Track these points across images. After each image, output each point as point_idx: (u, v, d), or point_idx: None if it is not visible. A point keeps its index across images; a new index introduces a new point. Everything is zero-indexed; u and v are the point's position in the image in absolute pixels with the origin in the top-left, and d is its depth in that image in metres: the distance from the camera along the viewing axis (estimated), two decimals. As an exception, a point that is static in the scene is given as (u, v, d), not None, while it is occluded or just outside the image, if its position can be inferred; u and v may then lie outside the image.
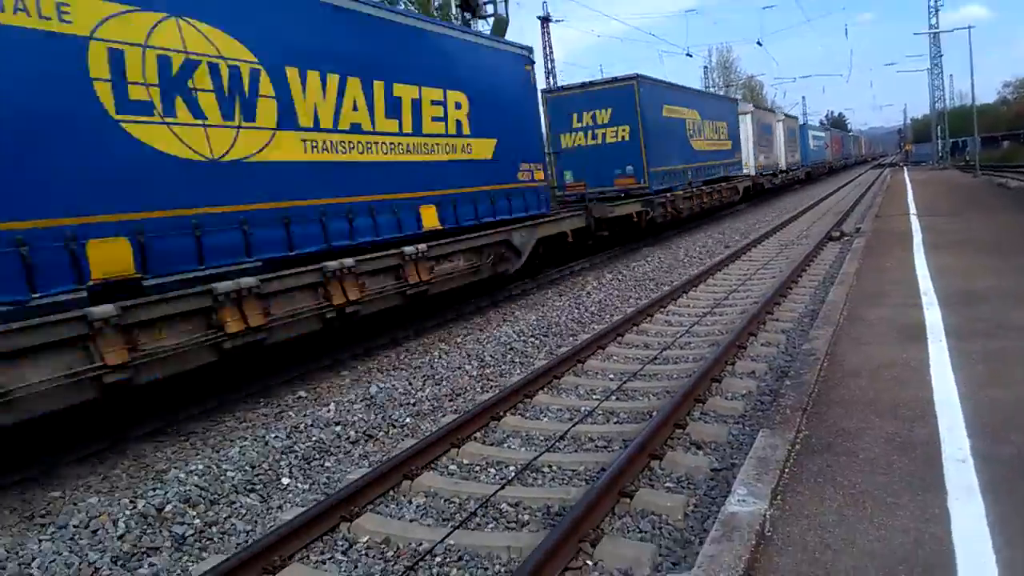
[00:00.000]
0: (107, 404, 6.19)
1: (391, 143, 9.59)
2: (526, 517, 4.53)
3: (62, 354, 5.63)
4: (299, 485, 5.42)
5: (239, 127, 7.44)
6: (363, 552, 4.31)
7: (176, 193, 6.78)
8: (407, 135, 9.87)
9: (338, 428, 6.36)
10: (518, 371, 8.02)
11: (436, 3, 27.87)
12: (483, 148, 11.61)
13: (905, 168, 59.40)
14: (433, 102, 10.42)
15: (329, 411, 6.76)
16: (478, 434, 6.01)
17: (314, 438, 6.14)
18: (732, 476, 4.48)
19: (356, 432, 6.31)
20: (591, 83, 19.24)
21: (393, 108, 9.61)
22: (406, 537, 4.38)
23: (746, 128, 30.29)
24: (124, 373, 5.93)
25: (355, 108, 8.98)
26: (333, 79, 8.62)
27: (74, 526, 4.68)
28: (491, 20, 22.44)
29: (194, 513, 4.90)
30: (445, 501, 4.89)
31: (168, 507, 4.93)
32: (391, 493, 5.04)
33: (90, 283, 6.00)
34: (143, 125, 6.51)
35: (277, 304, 7.53)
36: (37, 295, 5.63)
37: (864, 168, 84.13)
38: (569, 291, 12.85)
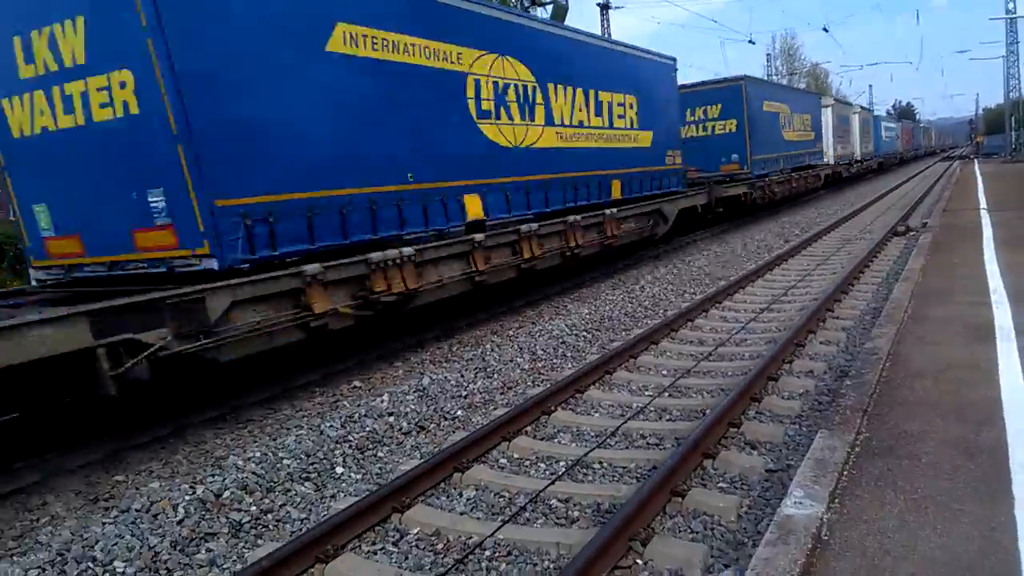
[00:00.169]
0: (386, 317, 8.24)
1: (597, 134, 12.99)
2: (576, 513, 4.51)
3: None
4: (352, 475, 5.50)
5: (527, 124, 10.95)
6: (413, 544, 4.35)
7: (500, 168, 10.33)
8: (605, 128, 13.29)
9: (391, 419, 6.43)
10: (570, 365, 7.99)
11: None
12: (645, 138, 14.86)
13: (975, 160, 57.20)
14: (619, 103, 13.75)
15: (383, 401, 6.83)
16: (529, 428, 6.00)
17: (368, 428, 6.22)
18: (788, 478, 4.38)
19: (408, 423, 6.37)
20: (703, 83, 22.16)
21: (598, 108, 12.98)
22: (456, 530, 4.40)
23: (827, 120, 32.29)
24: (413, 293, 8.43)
25: (580, 109, 12.40)
26: (570, 90, 12.08)
27: (136, 510, 4.84)
28: (550, 7, 22.35)
29: (251, 500, 5.02)
30: (495, 495, 4.90)
31: (226, 493, 5.05)
32: (442, 485, 5.07)
33: (468, 221, 9.65)
34: (487, 125, 10.08)
35: (540, 244, 10.88)
36: (446, 227, 9.27)
37: (932, 160, 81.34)
38: (623, 285, 12.74)
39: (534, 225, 10.61)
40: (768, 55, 69.20)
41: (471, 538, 4.29)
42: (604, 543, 3.73)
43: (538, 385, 7.34)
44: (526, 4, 21.50)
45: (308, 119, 7.29)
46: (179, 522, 4.71)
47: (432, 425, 6.40)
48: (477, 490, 4.99)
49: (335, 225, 7.60)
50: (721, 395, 6.30)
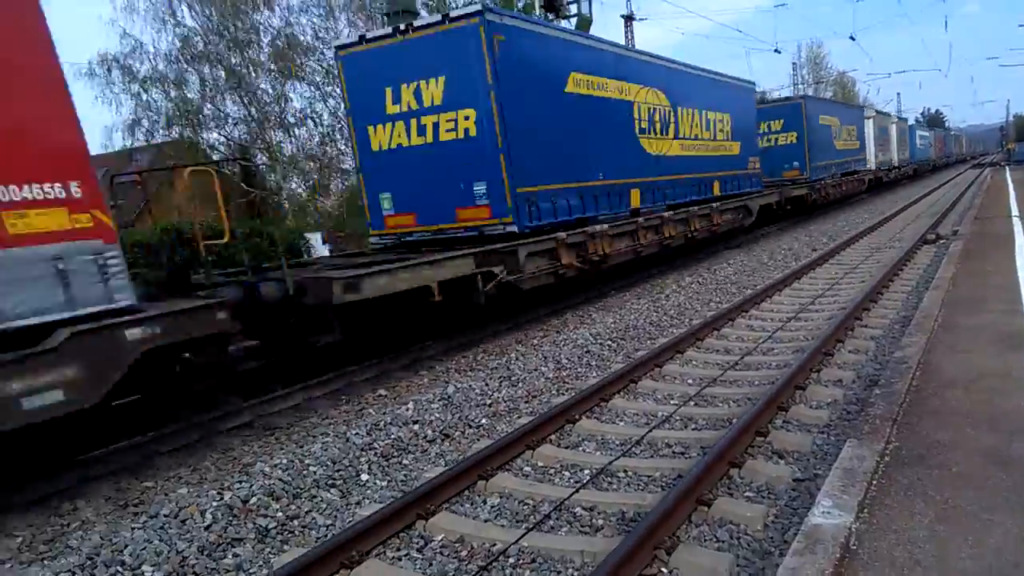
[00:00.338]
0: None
1: (705, 145, 16.80)
2: (600, 522, 4.49)
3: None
4: (378, 482, 5.52)
5: (664, 138, 14.64)
6: (438, 551, 4.35)
7: (649, 170, 14.05)
8: (710, 140, 17.21)
9: (416, 427, 6.45)
10: (594, 374, 7.97)
11: (520, 4, 27.98)
12: (735, 147, 18.80)
13: (1007, 167, 56.23)
14: (719, 120, 17.66)
15: (408, 410, 6.86)
16: (553, 436, 5.99)
17: (393, 436, 6.25)
18: (815, 487, 4.33)
19: (433, 431, 6.39)
20: (767, 101, 27.68)
21: (706, 125, 16.88)
22: (480, 537, 4.41)
23: (869, 130, 36.27)
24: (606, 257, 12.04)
25: (695, 126, 16.21)
26: (689, 111, 15.88)
27: (164, 516, 4.90)
28: (574, 20, 22.41)
29: (277, 506, 5.06)
30: (519, 502, 4.89)
31: (253, 499, 5.10)
32: (466, 493, 5.08)
33: (631, 208, 13.29)
34: (644, 139, 13.91)
35: (674, 228, 14.45)
36: (620, 212, 12.98)
37: (963, 167, 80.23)
38: (647, 294, 12.69)
39: (670, 213, 14.38)
40: (794, 64, 68.57)
41: (495, 545, 4.29)
42: (629, 551, 3.71)
43: (563, 394, 7.33)
44: (550, 16, 21.54)
45: (554, 138, 10.99)
46: (207, 527, 4.76)
47: (457, 433, 6.41)
48: (501, 498, 4.98)
49: (566, 206, 11.29)
50: (748, 404, 6.24)
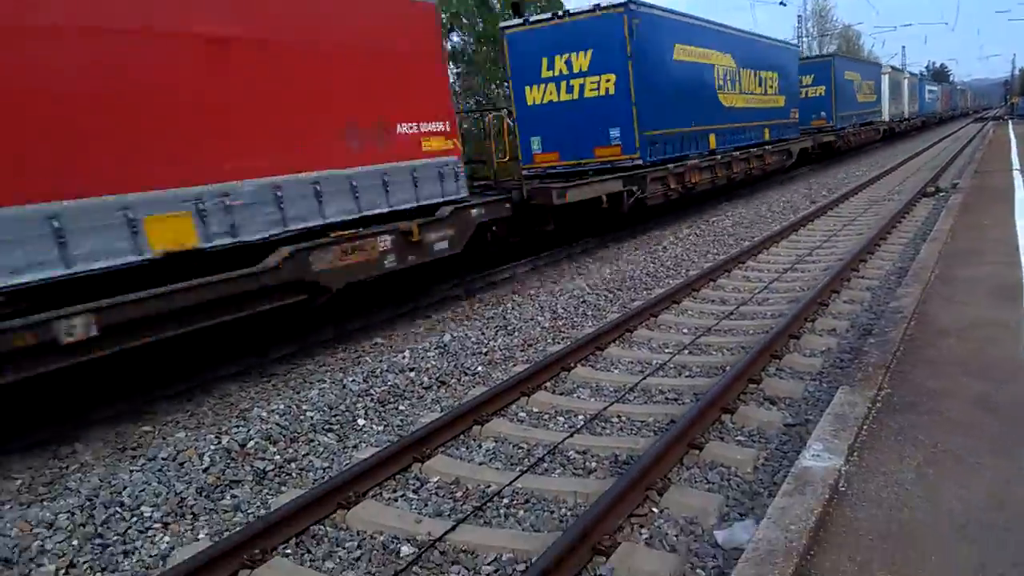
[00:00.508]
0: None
1: (759, 99, 19.71)
2: (593, 464, 4.55)
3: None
4: (374, 426, 5.58)
5: (732, 93, 17.53)
6: (434, 491, 4.41)
7: (722, 119, 16.99)
8: (763, 95, 20.08)
9: (412, 374, 6.49)
10: (590, 323, 7.99)
11: None
12: (780, 101, 21.56)
13: (1010, 122, 55.74)
14: (770, 78, 20.55)
15: (404, 358, 6.90)
16: (548, 384, 6.04)
17: (389, 383, 6.29)
18: (806, 432, 4.38)
19: (429, 378, 6.43)
20: (802, 59, 28.81)
21: (760, 81, 19.73)
22: (475, 479, 4.47)
23: (884, 85, 39.29)
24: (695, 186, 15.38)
25: (752, 82, 19.08)
26: (749, 71, 18.79)
27: (163, 459, 4.95)
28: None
29: (274, 450, 5.11)
30: (514, 447, 4.95)
31: (250, 443, 5.15)
32: (462, 437, 5.13)
33: (709, 149, 16.31)
34: (720, 94, 16.85)
35: (739, 165, 17.76)
36: (703, 152, 15.93)
37: (966, 121, 79.71)
38: (645, 246, 12.67)
39: (737, 153, 17.75)
40: (799, 16, 67.33)
41: (490, 487, 4.35)
42: (622, 491, 3.76)
43: (558, 342, 7.36)
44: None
45: (666, 95, 14.13)
46: (205, 470, 4.82)
47: (453, 380, 6.45)
48: (496, 442, 5.04)
49: (671, 147, 14.50)
50: (742, 353, 6.28)
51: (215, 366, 7.11)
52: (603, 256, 12.07)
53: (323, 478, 4.74)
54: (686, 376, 6.06)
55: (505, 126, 12.44)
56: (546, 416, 5.46)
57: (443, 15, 19.13)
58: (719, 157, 16.57)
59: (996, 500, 3.13)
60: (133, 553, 4.03)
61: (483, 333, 7.65)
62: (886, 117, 39.55)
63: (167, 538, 4.16)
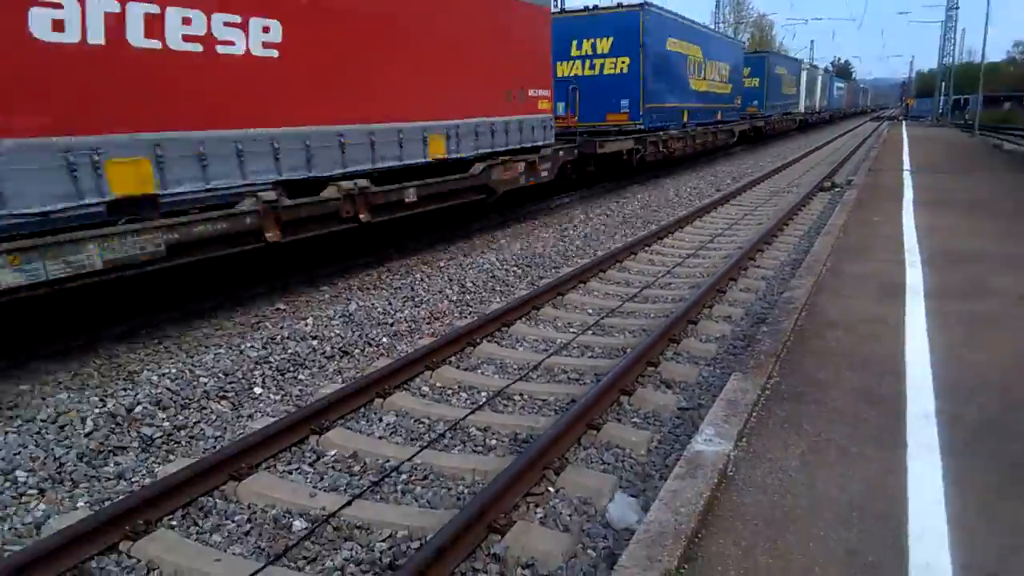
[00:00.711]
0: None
1: (716, 84, 24.12)
2: (493, 442, 4.58)
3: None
4: (271, 396, 5.43)
5: (698, 78, 21.87)
6: (330, 465, 4.34)
7: (692, 100, 21.59)
8: (718, 82, 24.30)
9: (314, 342, 6.35)
10: (498, 299, 8.01)
11: None
12: (728, 88, 25.94)
13: (904, 123, 58.92)
14: (723, 68, 24.83)
15: (307, 325, 6.74)
16: (453, 358, 6.02)
17: (290, 350, 6.13)
18: (699, 416, 4.53)
19: (332, 348, 6.30)
20: (755, 52, 36.74)
21: (716, 71, 23.94)
22: (374, 453, 4.42)
23: (803, 80, 44.31)
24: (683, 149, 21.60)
25: (712, 71, 23.17)
26: (711, 62, 22.95)
27: (41, 420, 4.68)
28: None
29: (163, 416, 4.91)
30: (415, 421, 4.92)
31: (138, 408, 4.93)
32: (362, 410, 5.06)
33: (682, 123, 20.82)
34: (692, 79, 21.29)
35: (704, 137, 23.37)
36: (680, 124, 20.64)
37: (863, 119, 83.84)
38: (556, 223, 12.77)
39: (700, 128, 22.46)
40: (717, 2, 68.91)
41: (388, 461, 4.32)
42: (519, 470, 3.80)
43: (465, 317, 7.35)
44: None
45: (661, 76, 18.41)
46: (87, 435, 4.58)
47: (356, 351, 6.35)
48: (398, 416, 5.00)
49: (661, 117, 18.69)
50: (643, 335, 6.43)
51: (103, 326, 6.76)
52: (515, 231, 12.09)
53: (215, 447, 4.59)
54: (588, 356, 6.16)
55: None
56: (449, 391, 5.45)
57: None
58: (688, 130, 21.27)
59: (871, 490, 3.33)
60: (4, 520, 3.81)
61: (390, 303, 7.56)
62: (802, 109, 44.76)
63: (42, 505, 3.94)
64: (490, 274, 8.90)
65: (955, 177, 16.66)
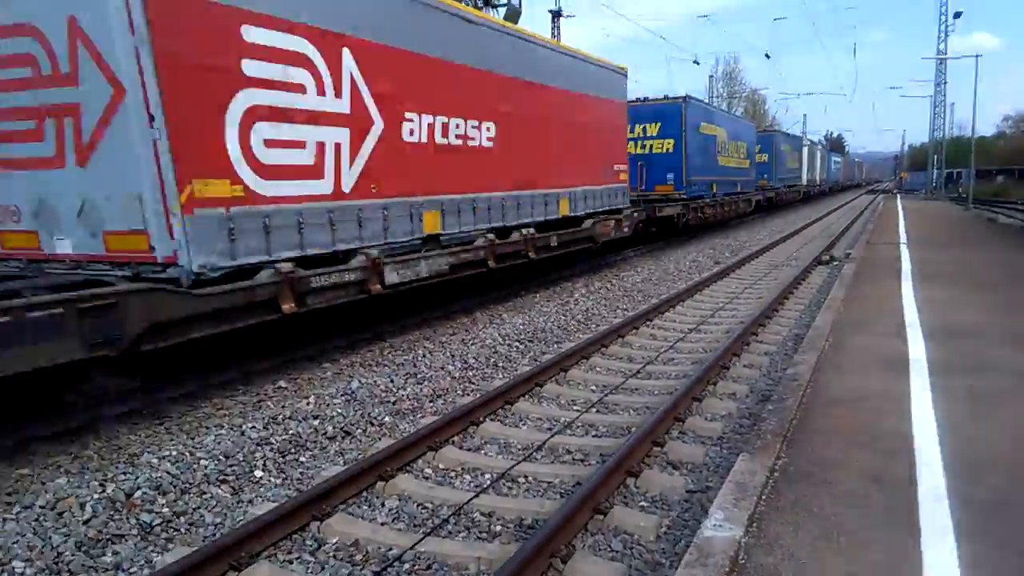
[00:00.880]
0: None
1: (736, 160, 29.11)
2: (498, 528, 4.50)
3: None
4: (272, 479, 5.36)
5: (725, 157, 27.04)
6: (331, 554, 4.26)
7: (719, 174, 25.59)
8: (739, 158, 29.48)
9: (316, 422, 6.31)
10: (501, 376, 7.99)
11: None
12: (747, 163, 30.84)
13: (898, 195, 59.77)
14: (742, 147, 29.84)
15: (308, 404, 6.70)
16: (456, 438, 5.97)
17: (291, 431, 6.09)
18: (707, 500, 4.47)
19: (334, 427, 6.26)
20: (757, 127, 38.70)
21: (736, 149, 28.81)
22: (376, 541, 4.34)
23: (805, 155, 49.12)
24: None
25: (733, 151, 28.70)
26: (733, 142, 28.34)
27: (40, 507, 4.62)
28: (503, 10, 22.72)
29: (163, 501, 4.84)
30: (418, 506, 4.84)
31: (137, 493, 4.87)
32: (364, 494, 4.99)
33: (712, 194, 24.99)
34: (720, 156, 25.71)
35: (728, 207, 27.76)
36: (709, 194, 24.80)
37: (859, 192, 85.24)
38: (557, 297, 12.83)
39: (726, 198, 26.76)
40: (711, 76, 70.88)
41: (391, 550, 4.23)
42: (525, 559, 3.72)
43: (468, 394, 7.31)
44: (479, 4, 21.76)
45: (697, 155, 22.47)
46: (86, 521, 4.52)
47: (358, 431, 6.30)
48: (400, 500, 4.93)
49: (698, 189, 22.78)
50: (647, 413, 6.39)
51: (103, 405, 6.72)
52: (516, 305, 12.13)
53: (214, 535, 4.51)
54: (593, 435, 6.11)
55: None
56: (453, 473, 5.39)
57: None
58: (718, 199, 25.50)
59: (883, 577, 3.25)
60: (-3, 615, 3.72)
61: (392, 380, 7.53)
62: (804, 182, 49.83)
63: (37, 599, 3.86)
64: (492, 349, 8.90)
65: (951, 250, 16.80)
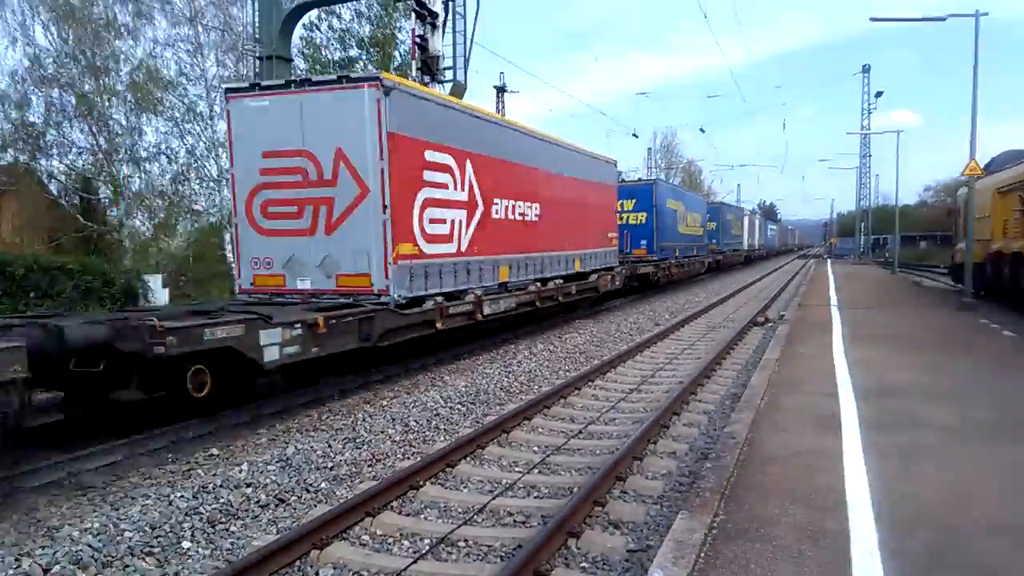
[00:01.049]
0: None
1: (692, 229, 35.32)
2: (437, 595, 4.39)
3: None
4: (200, 550, 5.13)
5: (685, 226, 33.49)
6: (262, 626, 4.08)
7: (681, 240, 31.57)
8: (694, 227, 36.00)
9: (248, 490, 6.10)
10: (442, 438, 7.89)
11: (395, 64, 28.43)
12: (700, 231, 37.71)
13: (828, 260, 62.05)
14: (697, 217, 36.05)
15: (241, 471, 6.49)
16: (395, 503, 5.84)
17: (222, 499, 5.87)
18: (648, 559, 4.45)
19: (267, 495, 6.06)
20: (709, 204, 44.94)
21: (692, 219, 35.60)
22: (309, 611, 4.18)
23: (745, 222, 55.64)
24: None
25: (691, 221, 35.19)
26: (689, 212, 34.59)
27: (-53, 586, 4.33)
28: (449, 85, 23.12)
29: (83, 576, 4.59)
30: (354, 574, 4.69)
31: (56, 568, 4.61)
32: (298, 563, 4.81)
33: (674, 256, 30.33)
34: (680, 226, 31.77)
35: (687, 267, 33.64)
36: (672, 257, 30.08)
37: (791, 257, 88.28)
38: (500, 359, 12.82)
39: (686, 260, 32.33)
40: (649, 149, 73.41)
41: (325, 620, 4.08)
42: (463, 626, 3.64)
43: (408, 458, 7.19)
44: (426, 80, 22.16)
45: (665, 224, 27.93)
46: (-4, 600, 4.24)
47: (293, 498, 6.11)
48: (335, 569, 4.76)
49: (666, 252, 28.17)
50: (589, 473, 6.37)
51: (23, 476, 6.38)
52: (458, 368, 12.07)
53: (137, 610, 4.28)
54: (535, 497, 6.06)
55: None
56: (391, 539, 5.25)
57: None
58: (680, 261, 30.54)
59: (819, 632, 3.27)
60: None
61: (330, 446, 7.37)
62: (746, 247, 56.43)
63: None
64: (434, 412, 8.81)
65: (880, 312, 17.44)
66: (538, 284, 15.25)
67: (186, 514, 5.54)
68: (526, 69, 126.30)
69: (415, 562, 4.72)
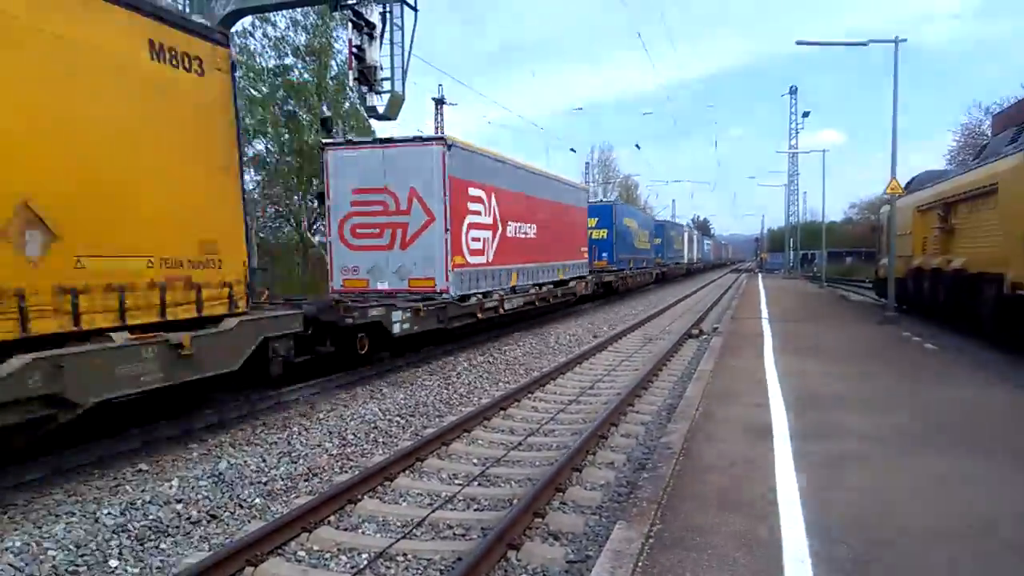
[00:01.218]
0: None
1: (644, 243, 40.42)
2: (376, 609, 4.34)
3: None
4: (129, 568, 4.96)
5: (641, 242, 39.67)
6: (194, 646, 3.97)
7: (635, 253, 36.82)
8: (645, 241, 40.58)
9: (179, 506, 5.93)
10: (380, 451, 7.81)
11: (331, 73, 28.18)
12: (649, 245, 41.54)
13: (759, 274, 63.79)
14: (648, 232, 41.19)
15: (171, 487, 6.30)
16: (332, 518, 5.76)
17: (151, 516, 5.69)
18: (586, 568, 4.49)
19: (199, 511, 5.90)
20: (657, 221, 50.76)
21: (645, 235, 41.11)
22: (244, 629, 4.08)
23: (685, 238, 60.28)
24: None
25: (643, 235, 39.81)
26: (642, 230, 39.82)
27: None
28: (387, 96, 22.95)
29: (1, 599, 4.39)
30: (290, 590, 4.61)
31: (-30, 591, 4.39)
32: (232, 580, 4.71)
33: (628, 267, 34.71)
34: (635, 240, 36.79)
35: (637, 277, 37.45)
36: (627, 268, 35.10)
37: (725, 271, 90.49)
38: (440, 371, 12.76)
39: (639, 270, 37.25)
40: (587, 163, 74.50)
41: (260, 638, 3.99)
42: (403, 640, 3.62)
43: (346, 471, 7.09)
44: (364, 90, 21.95)
45: (622, 239, 32.82)
46: (-95, 626, 4.02)
47: (226, 514, 5.96)
48: (271, 585, 4.67)
49: (623, 263, 33.03)
50: (528, 485, 6.39)
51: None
52: (398, 380, 11.97)
53: (60, 633, 4.12)
54: (475, 509, 6.05)
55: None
56: (328, 555, 5.17)
57: (249, 122, 25.66)
58: (635, 271, 35.23)
59: (753, 637, 3.35)
60: None
61: (264, 460, 7.22)
62: (686, 260, 60.77)
63: None
64: (372, 425, 8.71)
65: (809, 325, 18.00)
66: (536, 288, 19.42)
67: (113, 532, 5.36)
68: (464, 82, 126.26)
69: (353, 577, 4.66)
